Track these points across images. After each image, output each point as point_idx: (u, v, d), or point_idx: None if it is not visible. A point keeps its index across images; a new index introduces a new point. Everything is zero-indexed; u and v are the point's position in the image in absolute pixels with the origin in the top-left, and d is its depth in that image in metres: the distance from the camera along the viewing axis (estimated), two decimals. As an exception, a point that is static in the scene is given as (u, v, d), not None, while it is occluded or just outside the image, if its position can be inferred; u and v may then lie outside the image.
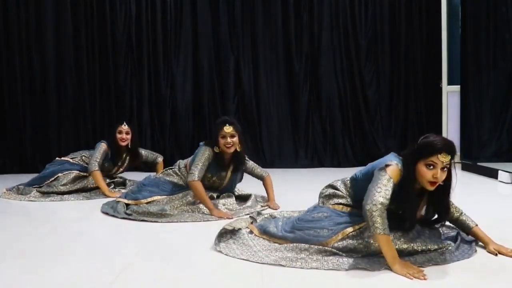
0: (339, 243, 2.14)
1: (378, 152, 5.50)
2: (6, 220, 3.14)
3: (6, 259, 2.25)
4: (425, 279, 1.86)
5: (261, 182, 3.58)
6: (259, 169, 3.56)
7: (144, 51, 5.91)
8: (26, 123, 5.81)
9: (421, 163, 2.04)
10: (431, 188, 2.07)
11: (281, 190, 3.78)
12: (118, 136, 4.10)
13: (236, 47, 6.01)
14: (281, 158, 6.01)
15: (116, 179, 4.31)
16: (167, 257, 2.27)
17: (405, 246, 2.11)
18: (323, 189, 2.50)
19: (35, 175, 4.33)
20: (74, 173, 4.05)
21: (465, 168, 5.37)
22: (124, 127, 4.11)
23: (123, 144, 4.12)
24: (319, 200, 2.48)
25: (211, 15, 5.97)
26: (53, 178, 4.02)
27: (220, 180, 3.38)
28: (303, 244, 2.17)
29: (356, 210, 2.27)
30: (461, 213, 2.32)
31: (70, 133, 5.84)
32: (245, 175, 3.56)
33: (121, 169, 4.30)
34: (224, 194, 3.38)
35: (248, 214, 2.99)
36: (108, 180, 4.14)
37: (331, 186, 2.47)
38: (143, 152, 4.39)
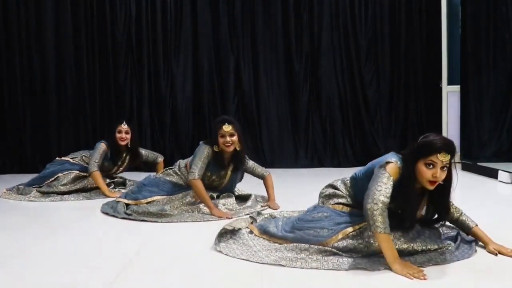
0: (339, 243, 2.14)
1: (378, 152, 5.48)
2: (6, 220, 3.14)
3: (6, 259, 2.25)
4: (425, 279, 1.86)
5: (261, 182, 3.57)
6: (260, 169, 3.56)
7: (144, 51, 5.91)
8: (26, 123, 5.82)
9: (421, 162, 2.04)
10: (431, 187, 2.07)
11: (281, 190, 3.78)
12: (118, 135, 4.10)
13: (236, 47, 6.01)
14: (281, 158, 6.01)
15: (116, 179, 4.31)
16: (167, 257, 2.26)
17: (405, 246, 2.11)
18: (323, 189, 2.51)
19: (35, 175, 4.33)
20: (74, 173, 4.05)
21: (465, 168, 5.37)
22: (124, 127, 4.11)
23: (123, 143, 4.12)
24: (319, 200, 2.48)
25: (211, 15, 5.97)
26: (53, 178, 4.03)
27: (220, 179, 3.38)
28: (303, 244, 2.17)
29: (356, 210, 2.27)
30: (461, 213, 2.31)
31: (70, 133, 5.85)
32: (245, 175, 3.55)
33: (121, 169, 4.30)
34: (224, 194, 3.38)
35: (248, 214, 2.99)
36: (108, 180, 4.15)
37: (331, 186, 2.47)
38: (143, 152, 4.38)
